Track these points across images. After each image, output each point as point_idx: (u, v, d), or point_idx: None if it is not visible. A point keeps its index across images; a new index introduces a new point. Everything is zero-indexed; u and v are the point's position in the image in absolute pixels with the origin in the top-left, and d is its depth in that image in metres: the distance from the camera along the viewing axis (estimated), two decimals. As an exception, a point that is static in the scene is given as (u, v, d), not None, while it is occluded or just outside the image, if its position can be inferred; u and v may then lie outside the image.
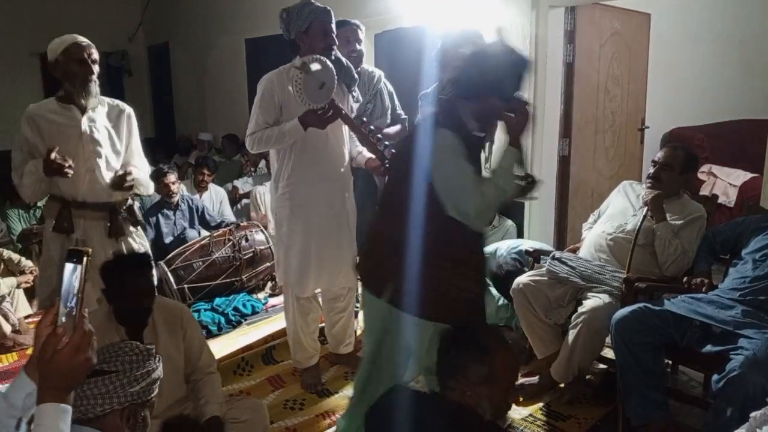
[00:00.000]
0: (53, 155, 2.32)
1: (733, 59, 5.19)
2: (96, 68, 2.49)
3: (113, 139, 2.59)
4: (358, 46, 3.05)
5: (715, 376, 2.07)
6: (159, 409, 1.96)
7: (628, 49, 4.29)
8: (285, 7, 2.61)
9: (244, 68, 6.32)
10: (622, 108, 4.33)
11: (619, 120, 4.32)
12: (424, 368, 2.04)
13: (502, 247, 3.49)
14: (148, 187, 2.71)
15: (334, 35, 2.60)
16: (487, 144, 2.68)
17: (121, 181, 2.51)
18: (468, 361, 1.58)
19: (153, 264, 2.18)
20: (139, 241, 2.71)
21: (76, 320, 1.03)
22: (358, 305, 3.34)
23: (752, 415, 1.78)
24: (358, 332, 3.36)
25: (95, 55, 2.49)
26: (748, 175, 4.49)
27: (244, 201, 5.06)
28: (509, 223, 3.89)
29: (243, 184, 5.26)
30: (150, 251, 2.74)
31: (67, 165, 2.34)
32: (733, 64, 5.19)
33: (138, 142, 2.71)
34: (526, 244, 3.46)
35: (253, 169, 5.44)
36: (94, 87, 2.50)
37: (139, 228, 2.74)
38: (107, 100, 2.60)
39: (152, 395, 1.45)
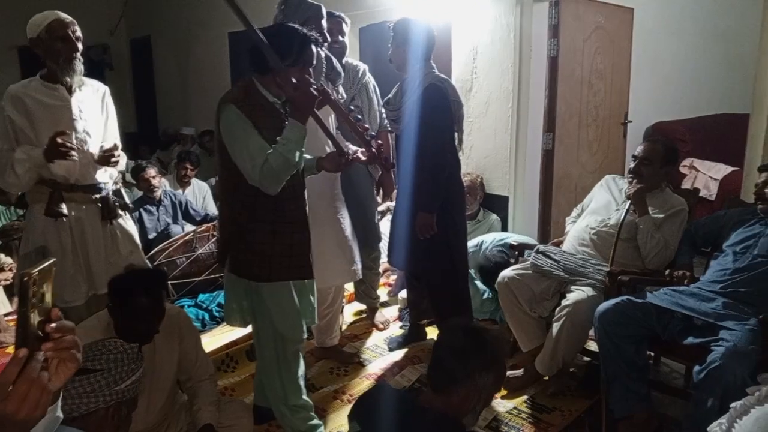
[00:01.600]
0: (60, 139, 2.22)
1: (714, 53, 5.25)
2: (80, 46, 2.41)
3: (99, 119, 2.53)
4: (341, 38, 3.03)
5: (696, 368, 2.10)
6: (149, 416, 1.94)
7: (612, 44, 4.31)
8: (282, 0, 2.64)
9: (228, 62, 6.27)
10: (605, 102, 4.35)
11: (602, 114, 4.34)
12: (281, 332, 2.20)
13: (487, 239, 3.51)
14: (122, 164, 2.67)
15: (325, 31, 2.62)
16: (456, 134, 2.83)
17: (108, 156, 2.45)
18: (484, 367, 1.55)
19: (165, 282, 2.13)
20: (127, 228, 2.65)
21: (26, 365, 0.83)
22: (344, 302, 3.36)
23: (732, 405, 1.80)
24: (344, 327, 3.38)
25: (79, 32, 2.41)
26: (729, 169, 4.55)
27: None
28: (494, 217, 3.91)
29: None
30: (138, 243, 2.71)
31: (68, 147, 2.24)
32: (714, 59, 5.25)
33: (115, 122, 2.64)
34: (511, 237, 3.49)
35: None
36: (79, 65, 2.41)
37: (127, 213, 2.70)
38: (86, 79, 2.52)
39: (136, 393, 1.44)
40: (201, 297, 3.61)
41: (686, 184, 4.62)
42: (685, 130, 5.02)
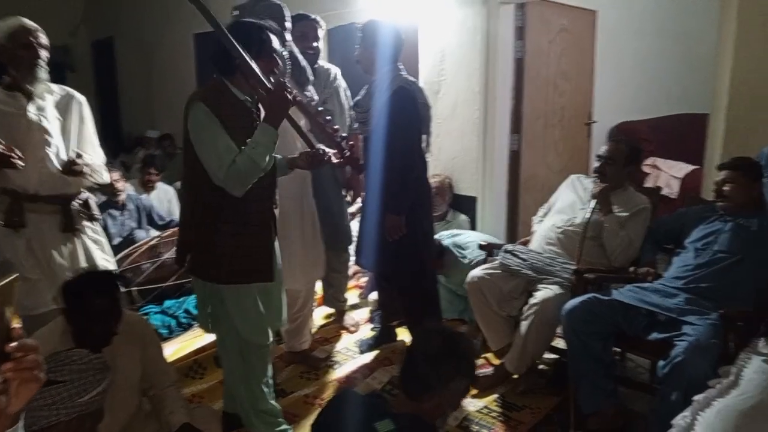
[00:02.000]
0: (2, 147, 2.16)
1: (675, 55, 5.37)
2: (44, 53, 2.36)
3: (64, 127, 2.45)
4: (314, 44, 2.98)
5: (660, 363, 2.14)
6: (114, 425, 1.89)
7: (576, 45, 4.38)
8: (237, 5, 2.60)
9: (193, 64, 6.18)
10: (570, 103, 4.42)
11: (567, 115, 4.41)
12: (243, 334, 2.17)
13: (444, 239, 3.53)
14: (102, 175, 2.59)
15: (286, 31, 2.58)
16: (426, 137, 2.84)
17: (72, 167, 2.38)
18: (459, 373, 1.56)
19: (121, 282, 2.07)
20: (97, 238, 2.58)
21: None
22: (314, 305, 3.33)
23: (695, 398, 1.85)
24: (314, 330, 3.35)
25: (43, 39, 2.35)
26: (690, 168, 4.66)
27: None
28: (463, 217, 3.93)
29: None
30: (110, 252, 2.64)
31: (15, 156, 2.20)
32: (676, 60, 5.37)
33: (91, 131, 2.58)
34: (479, 237, 3.52)
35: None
36: (42, 72, 2.36)
37: (96, 224, 2.62)
38: (57, 87, 2.46)
39: (101, 406, 1.40)
40: (167, 303, 3.54)
41: (649, 183, 4.71)
42: (648, 129, 5.13)
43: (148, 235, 3.97)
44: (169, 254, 3.69)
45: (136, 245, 3.74)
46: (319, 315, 3.51)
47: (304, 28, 2.94)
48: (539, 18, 3.96)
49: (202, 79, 6.02)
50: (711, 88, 2.81)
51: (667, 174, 4.82)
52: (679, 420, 1.78)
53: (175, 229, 3.90)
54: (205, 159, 1.97)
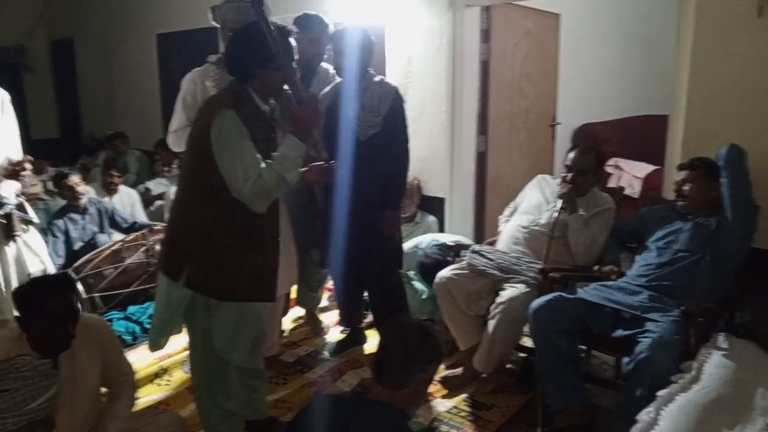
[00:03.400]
0: None
1: (636, 58, 5.51)
2: None
3: None
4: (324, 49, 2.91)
5: (625, 359, 2.18)
6: (75, 427, 1.83)
7: (540, 48, 4.45)
8: (212, 5, 2.58)
9: (156, 65, 6.07)
10: (535, 105, 4.48)
11: (532, 117, 4.47)
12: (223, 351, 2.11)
13: (424, 240, 3.54)
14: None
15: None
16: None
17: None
18: (431, 359, 1.60)
19: (76, 285, 1.97)
20: (33, 240, 2.50)
21: None
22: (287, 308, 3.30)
23: (659, 393, 1.89)
24: (285, 333, 3.32)
25: None
26: (651, 168, 4.77)
27: (158, 203, 4.85)
28: (431, 218, 3.95)
29: (156, 185, 5.04)
30: (48, 255, 2.55)
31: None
32: (636, 63, 5.51)
33: (14, 127, 2.49)
34: (447, 237, 3.54)
35: (166, 168, 5.21)
36: None
37: (31, 227, 2.54)
38: None
39: (51, 411, 1.36)
40: (131, 309, 3.47)
41: (612, 183, 4.81)
42: (610, 131, 5.24)
43: (111, 240, 3.88)
44: (133, 259, 3.61)
45: (98, 250, 3.64)
46: (288, 319, 3.48)
47: (318, 34, 2.85)
48: (504, 21, 4.01)
49: (165, 80, 5.92)
50: (671, 90, 2.88)
51: (629, 174, 4.93)
52: (644, 415, 1.81)
53: (139, 233, 3.83)
54: (229, 171, 1.86)
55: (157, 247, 3.68)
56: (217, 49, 2.75)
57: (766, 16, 2.48)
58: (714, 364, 2.01)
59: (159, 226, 4.09)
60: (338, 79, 2.87)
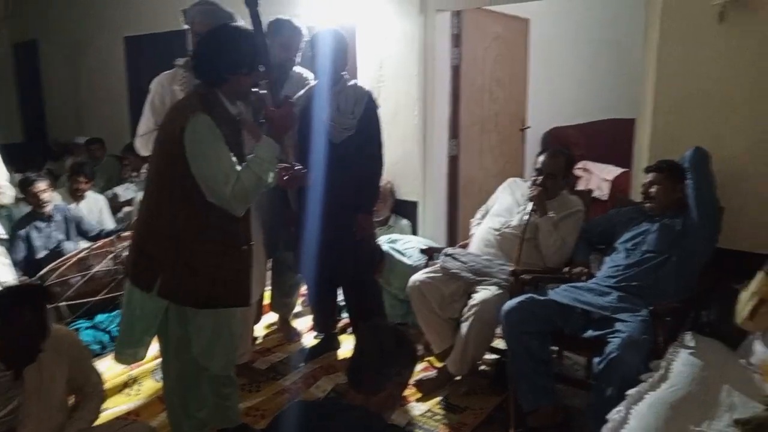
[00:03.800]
0: None
1: (604, 63, 5.61)
2: None
3: None
4: (297, 54, 2.90)
5: (596, 359, 2.22)
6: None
7: (510, 53, 4.50)
8: (183, 9, 2.56)
9: (124, 68, 5.97)
10: (505, 109, 4.53)
11: (502, 120, 4.52)
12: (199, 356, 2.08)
13: (402, 239, 3.55)
14: (6, 194, 2.44)
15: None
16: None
17: None
18: (407, 363, 1.62)
19: (50, 297, 1.92)
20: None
21: None
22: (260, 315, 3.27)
23: (629, 392, 1.92)
24: (258, 340, 3.29)
25: None
26: (619, 170, 4.86)
27: (126, 209, 4.75)
28: (404, 222, 3.96)
29: (124, 191, 4.94)
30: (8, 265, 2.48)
31: None
32: (604, 68, 5.61)
33: None
34: (419, 240, 3.56)
35: (134, 173, 5.11)
36: None
37: None
38: None
39: (13, 424, 1.32)
40: (99, 318, 3.39)
41: (581, 186, 4.88)
42: (579, 134, 5.32)
43: (77, 247, 3.78)
44: (100, 267, 3.53)
45: (64, 258, 3.56)
46: (261, 325, 3.45)
47: (289, 38, 2.84)
48: (474, 26, 4.05)
49: (133, 84, 5.83)
50: (638, 94, 2.94)
51: (597, 177, 5.01)
52: (614, 414, 1.84)
53: (107, 240, 3.75)
54: (207, 175, 1.85)
55: (126, 254, 3.62)
56: (186, 52, 2.71)
57: (727, 22, 2.55)
58: (681, 363, 2.05)
59: (127, 232, 4.01)
60: (312, 83, 2.86)
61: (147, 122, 2.56)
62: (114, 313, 3.44)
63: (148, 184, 2.07)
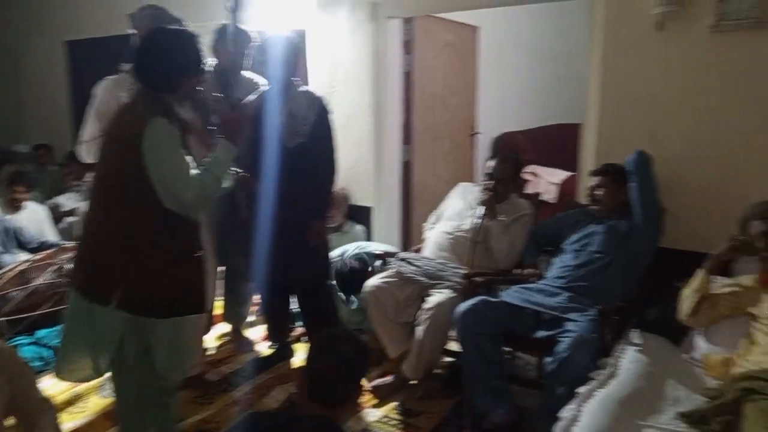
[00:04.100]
0: None
1: (550, 70, 5.76)
2: None
3: None
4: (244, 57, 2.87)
5: (547, 359, 2.26)
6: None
7: (460, 60, 4.57)
8: (129, 13, 2.54)
9: (66, 73, 5.76)
10: (456, 115, 4.59)
11: (454, 127, 4.58)
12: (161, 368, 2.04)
13: (349, 249, 3.53)
14: None
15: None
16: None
17: None
18: (365, 371, 1.63)
19: None
20: None
21: None
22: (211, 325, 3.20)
23: (579, 391, 1.96)
24: (211, 351, 3.21)
25: None
26: (566, 174, 4.98)
27: (69, 219, 4.57)
28: (359, 227, 3.95)
29: (67, 200, 4.76)
30: None
31: None
32: (551, 75, 5.76)
33: None
34: (374, 246, 3.55)
35: (77, 182, 4.92)
36: None
37: None
38: None
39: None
40: (40, 333, 3.24)
41: (529, 189, 4.97)
42: (527, 139, 5.44)
43: (16, 260, 3.62)
44: (42, 280, 3.38)
45: (2, 271, 3.40)
46: (212, 336, 3.37)
47: (236, 43, 2.76)
48: (425, 33, 4.09)
49: (75, 89, 5.64)
50: (583, 101, 3.03)
51: (545, 180, 5.12)
52: (566, 412, 1.87)
53: (49, 251, 3.60)
54: (168, 180, 1.83)
55: (69, 267, 3.48)
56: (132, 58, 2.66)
57: (665, 31, 2.66)
58: (629, 360, 2.11)
59: (70, 244, 3.86)
60: (263, 88, 2.83)
61: (91, 128, 2.49)
62: (57, 327, 3.30)
63: (95, 193, 2.00)
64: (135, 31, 2.57)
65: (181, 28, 2.03)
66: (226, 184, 2.01)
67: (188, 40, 1.93)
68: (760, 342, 1.97)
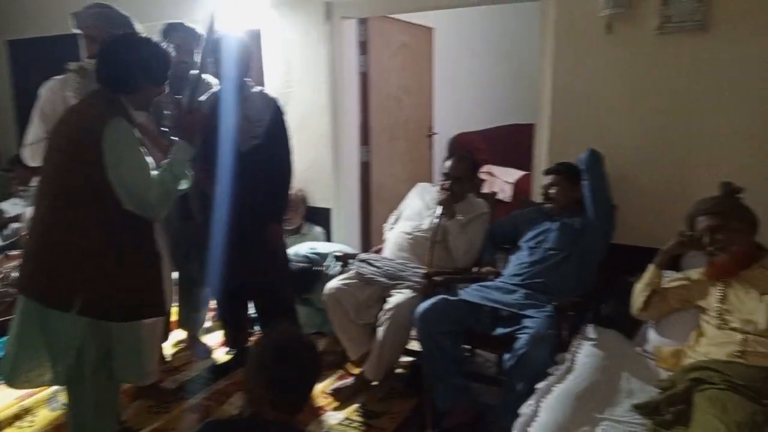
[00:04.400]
0: None
1: (504, 71, 5.85)
2: None
3: None
4: (192, 56, 2.82)
5: (506, 356, 2.29)
6: None
7: (416, 61, 4.59)
8: (73, 12, 2.47)
9: (8, 74, 5.53)
10: (412, 116, 4.62)
11: (411, 127, 4.60)
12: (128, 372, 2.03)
13: (301, 249, 3.49)
14: None
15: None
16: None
17: None
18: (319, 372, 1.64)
19: None
20: None
21: None
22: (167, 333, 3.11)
23: (538, 386, 1.99)
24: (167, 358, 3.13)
25: None
26: (521, 173, 5.07)
27: (14, 225, 4.38)
28: (318, 229, 3.92)
29: (12, 206, 4.56)
30: None
31: None
32: (504, 75, 5.86)
33: None
34: (326, 246, 3.53)
35: (22, 187, 4.72)
36: None
37: None
38: None
39: None
40: (-16, 345, 3.10)
41: (485, 189, 5.04)
42: (482, 139, 5.52)
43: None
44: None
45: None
46: (168, 343, 3.29)
47: (183, 42, 2.78)
48: (380, 34, 4.09)
49: (18, 89, 5.42)
50: (536, 101, 3.09)
51: (501, 180, 5.19)
52: (525, 408, 1.90)
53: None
54: (130, 181, 1.83)
55: (14, 275, 3.33)
56: (77, 57, 2.56)
57: (614, 34, 2.73)
58: (585, 354, 2.16)
59: (16, 251, 3.71)
60: (215, 88, 2.78)
61: (36, 130, 2.39)
62: (2, 339, 3.16)
63: (43, 196, 1.93)
64: (79, 31, 2.49)
65: (153, 39, 2.05)
66: (185, 185, 1.99)
67: (163, 54, 2.00)
68: (708, 333, 2.04)
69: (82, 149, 1.81)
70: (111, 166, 1.79)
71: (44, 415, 2.64)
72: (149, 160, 1.93)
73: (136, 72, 1.90)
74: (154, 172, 1.92)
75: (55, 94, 2.40)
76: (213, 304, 3.67)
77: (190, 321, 3.22)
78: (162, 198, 1.89)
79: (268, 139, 2.69)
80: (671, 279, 2.27)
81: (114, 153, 1.79)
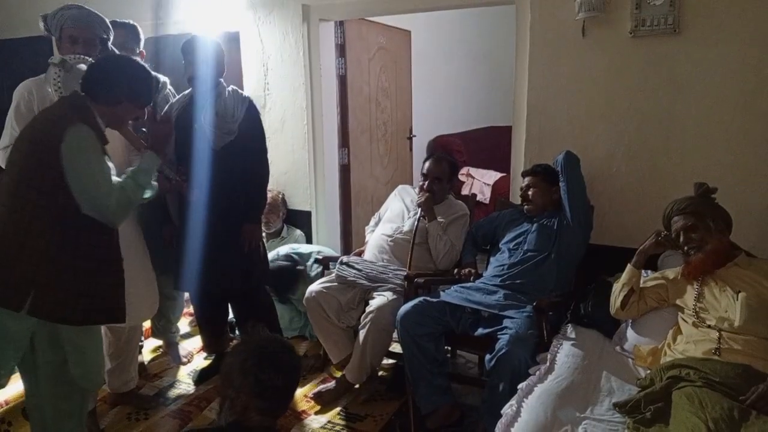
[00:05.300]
0: None
1: (481, 74, 5.90)
2: None
3: None
4: (137, 49, 2.81)
5: (487, 356, 2.30)
6: None
7: (394, 64, 4.60)
8: (44, 14, 2.44)
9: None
10: (392, 118, 4.62)
11: (390, 129, 4.61)
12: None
13: (281, 250, 3.47)
14: None
15: (85, 42, 2.40)
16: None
17: None
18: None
19: None
20: None
21: None
22: (142, 339, 3.06)
23: (519, 386, 2.01)
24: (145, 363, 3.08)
25: None
26: (499, 175, 5.12)
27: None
28: (298, 232, 3.90)
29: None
30: None
31: None
32: (481, 78, 5.90)
33: None
34: (307, 247, 3.52)
35: None
36: None
37: None
38: None
39: None
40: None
41: (465, 191, 5.08)
42: (461, 141, 5.56)
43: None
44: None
45: None
46: (147, 348, 3.25)
47: (124, 37, 2.75)
48: (358, 36, 4.09)
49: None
50: (512, 103, 3.11)
51: (479, 182, 5.24)
52: (507, 409, 1.91)
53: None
54: (89, 186, 1.83)
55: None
56: (46, 59, 2.52)
57: (589, 37, 2.77)
58: (565, 354, 2.18)
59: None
60: (169, 87, 2.83)
61: (11, 132, 2.34)
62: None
63: (3, 197, 1.90)
64: (53, 33, 2.44)
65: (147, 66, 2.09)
66: (149, 194, 2.00)
67: (153, 81, 2.05)
68: (686, 332, 2.08)
69: (41, 151, 1.81)
70: (70, 170, 1.80)
71: (20, 424, 2.58)
72: (110, 165, 1.93)
73: (123, 86, 1.93)
74: (116, 179, 1.93)
75: (32, 94, 2.35)
76: (190, 309, 3.63)
77: (164, 328, 3.18)
78: (122, 205, 1.90)
79: (242, 135, 2.67)
80: (648, 278, 2.31)
81: (74, 158, 1.80)
